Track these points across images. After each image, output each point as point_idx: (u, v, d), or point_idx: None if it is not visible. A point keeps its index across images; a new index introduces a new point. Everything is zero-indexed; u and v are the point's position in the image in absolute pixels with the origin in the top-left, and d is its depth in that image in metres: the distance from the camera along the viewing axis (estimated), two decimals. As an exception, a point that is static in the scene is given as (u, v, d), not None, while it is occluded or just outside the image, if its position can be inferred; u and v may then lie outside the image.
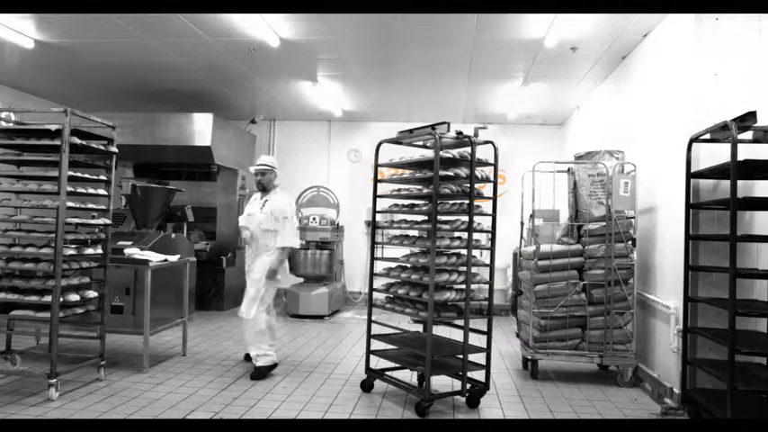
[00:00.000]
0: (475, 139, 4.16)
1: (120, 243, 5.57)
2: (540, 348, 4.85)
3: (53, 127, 4.02)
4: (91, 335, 4.66)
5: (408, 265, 4.36)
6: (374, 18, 5.00)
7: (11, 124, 4.42)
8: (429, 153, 4.29)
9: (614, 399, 4.42)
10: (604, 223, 4.83)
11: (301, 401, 4.21)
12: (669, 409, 4.03)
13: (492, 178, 4.25)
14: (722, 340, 3.43)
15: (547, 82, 6.79)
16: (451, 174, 4.13)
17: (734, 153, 3.34)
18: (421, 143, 4.49)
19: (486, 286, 4.24)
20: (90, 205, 4.55)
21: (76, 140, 4.12)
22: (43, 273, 4.15)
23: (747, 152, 3.67)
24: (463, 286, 4.05)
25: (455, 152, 4.14)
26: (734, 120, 3.41)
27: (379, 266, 4.68)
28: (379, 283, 4.67)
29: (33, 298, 4.13)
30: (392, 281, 4.52)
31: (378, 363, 4.59)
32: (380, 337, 4.59)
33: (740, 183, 3.44)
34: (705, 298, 3.86)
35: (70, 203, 4.19)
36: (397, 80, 7.06)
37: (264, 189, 5.05)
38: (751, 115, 3.37)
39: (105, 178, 4.58)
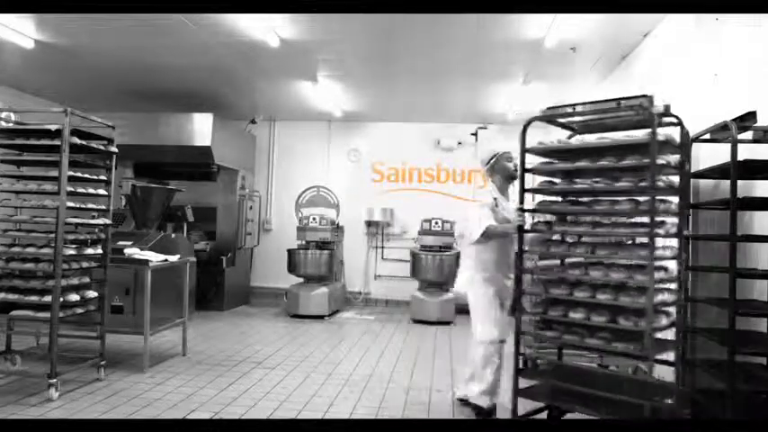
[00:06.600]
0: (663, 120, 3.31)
1: (120, 243, 5.57)
2: (541, 348, 4.84)
3: (53, 127, 4.02)
4: (91, 335, 4.65)
5: (561, 277, 3.51)
6: (374, 18, 4.99)
7: (11, 124, 4.42)
8: (583, 138, 3.61)
9: (614, 399, 4.40)
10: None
11: (301, 401, 4.21)
12: (670, 410, 4.00)
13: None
14: (722, 340, 3.43)
15: (547, 82, 6.78)
16: (608, 164, 3.37)
17: (734, 153, 3.33)
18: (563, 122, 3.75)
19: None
20: (90, 205, 4.55)
21: (76, 140, 4.12)
22: (43, 273, 4.16)
23: (747, 152, 3.67)
24: (672, 308, 3.31)
25: (640, 134, 3.28)
26: (734, 120, 3.41)
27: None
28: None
29: (33, 298, 4.14)
30: (537, 296, 3.63)
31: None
32: (531, 374, 3.69)
33: (740, 183, 3.43)
34: (705, 298, 3.86)
35: (70, 203, 4.19)
36: (398, 80, 7.06)
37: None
38: (751, 115, 3.37)
39: (105, 178, 4.58)
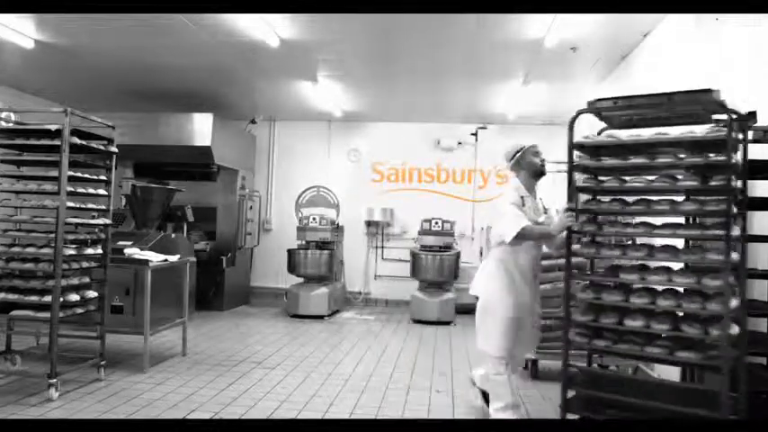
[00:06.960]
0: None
1: (120, 243, 5.57)
2: (541, 348, 4.84)
3: (53, 127, 4.02)
4: (91, 335, 4.65)
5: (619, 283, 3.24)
6: (374, 18, 4.99)
7: (11, 124, 4.42)
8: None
9: (614, 399, 4.40)
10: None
11: (301, 401, 4.21)
12: (670, 410, 3.99)
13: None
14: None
15: (547, 82, 6.78)
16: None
17: (734, 153, 3.33)
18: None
19: None
20: (90, 205, 4.55)
21: (76, 140, 4.12)
22: (43, 273, 4.16)
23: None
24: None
25: (700, 129, 3.14)
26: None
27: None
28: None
29: (33, 298, 4.14)
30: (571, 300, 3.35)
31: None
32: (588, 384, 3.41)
33: (740, 183, 3.43)
34: (705, 298, 3.84)
35: (70, 203, 4.19)
36: (398, 80, 7.06)
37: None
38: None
39: (105, 178, 4.58)
